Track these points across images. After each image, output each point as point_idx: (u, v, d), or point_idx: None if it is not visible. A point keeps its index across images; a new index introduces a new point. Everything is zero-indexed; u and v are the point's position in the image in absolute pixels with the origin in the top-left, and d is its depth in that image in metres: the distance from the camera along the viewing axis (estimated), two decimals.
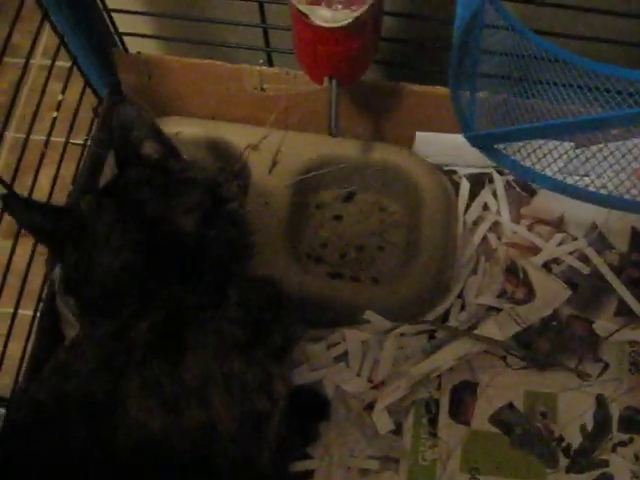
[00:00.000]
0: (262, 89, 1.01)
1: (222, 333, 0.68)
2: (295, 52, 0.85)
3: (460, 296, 0.99)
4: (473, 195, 1.06)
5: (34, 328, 0.91)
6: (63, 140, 0.98)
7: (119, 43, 1.03)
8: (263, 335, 0.72)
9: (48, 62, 0.94)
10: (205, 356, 0.67)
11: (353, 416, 0.92)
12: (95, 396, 0.65)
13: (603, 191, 0.74)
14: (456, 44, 0.57)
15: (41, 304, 0.93)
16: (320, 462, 0.89)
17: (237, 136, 1.04)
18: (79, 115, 1.00)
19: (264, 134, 1.03)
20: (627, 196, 0.73)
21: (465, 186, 1.06)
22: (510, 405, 0.92)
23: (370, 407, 0.92)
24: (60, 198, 0.98)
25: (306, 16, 0.73)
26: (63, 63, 0.99)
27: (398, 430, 0.91)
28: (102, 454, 0.63)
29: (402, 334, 0.95)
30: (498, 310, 0.97)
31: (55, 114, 0.94)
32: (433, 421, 0.92)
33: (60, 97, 0.96)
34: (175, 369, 0.65)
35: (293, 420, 0.89)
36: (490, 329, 0.95)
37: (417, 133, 1.04)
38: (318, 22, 0.73)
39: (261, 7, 0.92)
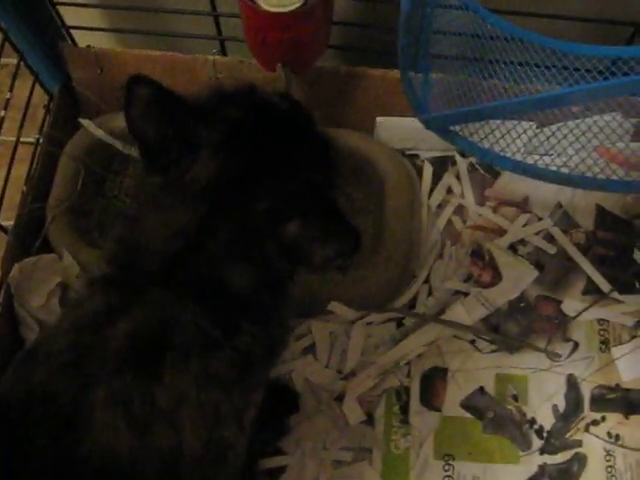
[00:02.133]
0: (217, 78, 0.99)
1: (207, 366, 0.63)
2: (246, 40, 0.83)
3: (427, 281, 0.98)
4: (437, 179, 1.04)
5: None
6: (14, 140, 0.95)
7: (67, 37, 1.00)
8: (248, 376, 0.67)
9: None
10: (183, 380, 0.62)
11: (323, 408, 0.90)
12: (60, 398, 0.61)
13: (564, 170, 0.73)
14: (403, 25, 0.55)
15: None
16: (292, 456, 0.88)
17: None
18: (29, 113, 0.98)
19: None
20: (589, 174, 0.72)
21: (428, 170, 1.05)
22: (481, 389, 0.92)
23: (340, 398, 0.91)
24: (14, 198, 0.96)
25: (253, 2, 0.72)
26: (11, 60, 0.97)
27: (370, 420, 0.90)
28: (61, 470, 0.60)
29: (369, 323, 0.94)
30: (465, 294, 0.96)
31: (3, 112, 0.91)
32: (405, 409, 0.91)
33: (8, 95, 0.93)
34: (149, 386, 0.61)
35: (264, 413, 0.88)
36: (458, 313, 0.95)
37: (377, 118, 1.02)
38: (266, 7, 0.71)
39: None
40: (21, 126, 0.96)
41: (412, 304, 0.97)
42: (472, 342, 0.94)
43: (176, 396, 0.61)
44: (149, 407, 0.60)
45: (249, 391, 0.67)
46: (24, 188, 0.97)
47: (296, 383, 0.92)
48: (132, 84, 0.62)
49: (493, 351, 0.94)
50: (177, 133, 0.62)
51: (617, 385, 0.91)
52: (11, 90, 0.94)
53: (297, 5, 0.70)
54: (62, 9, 0.96)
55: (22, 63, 0.97)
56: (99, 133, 1.01)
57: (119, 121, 1.02)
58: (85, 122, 1.02)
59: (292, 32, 0.74)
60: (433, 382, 0.93)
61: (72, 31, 1.00)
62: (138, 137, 0.64)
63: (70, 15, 0.98)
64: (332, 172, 0.68)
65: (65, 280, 0.94)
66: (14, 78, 0.95)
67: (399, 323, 0.95)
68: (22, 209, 0.96)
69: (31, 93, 0.99)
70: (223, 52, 0.99)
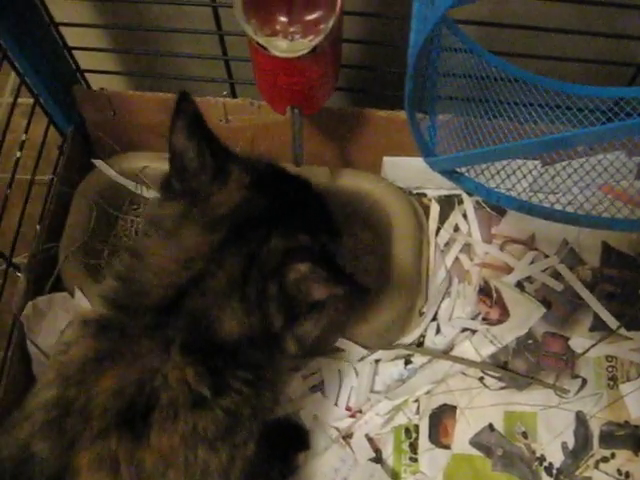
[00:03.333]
0: (227, 120, 1.01)
1: (195, 425, 0.62)
2: (256, 83, 0.84)
3: (435, 319, 0.98)
4: (444, 217, 1.06)
5: (4, 371, 0.90)
6: (29, 178, 0.97)
7: (81, 80, 1.02)
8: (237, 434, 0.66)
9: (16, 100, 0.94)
10: (171, 440, 0.61)
11: (333, 445, 0.91)
12: (44, 459, 0.59)
13: (569, 209, 0.74)
14: (410, 69, 0.57)
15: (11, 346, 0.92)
16: None
17: None
18: (44, 153, 1.00)
19: None
20: (594, 212, 0.73)
21: (435, 209, 1.06)
22: (490, 426, 0.92)
23: (349, 435, 0.92)
24: (28, 237, 0.98)
25: (264, 48, 0.73)
26: (27, 100, 0.99)
27: (379, 458, 0.91)
28: None
29: (377, 360, 0.95)
30: (473, 331, 0.96)
31: (18, 153, 0.93)
32: (414, 447, 0.91)
33: (24, 137, 0.95)
34: (136, 450, 0.59)
35: (273, 452, 0.88)
36: (466, 351, 0.95)
37: (384, 158, 1.04)
38: (276, 53, 0.73)
39: (221, 39, 0.92)
40: (36, 166, 0.98)
41: (420, 342, 0.97)
42: (480, 379, 0.94)
43: (163, 458, 0.60)
44: (136, 471, 0.59)
45: (237, 449, 0.66)
46: (38, 227, 0.98)
47: (305, 420, 0.92)
48: (180, 100, 0.65)
49: (502, 388, 0.94)
50: (214, 158, 0.66)
51: (626, 422, 0.91)
52: (26, 131, 0.96)
53: (306, 50, 0.72)
54: (77, 53, 0.99)
55: (37, 104, 1.00)
56: (111, 174, 1.03)
57: (131, 162, 1.05)
58: (98, 163, 1.04)
59: (301, 76, 0.76)
60: (442, 419, 0.93)
61: (86, 74, 1.02)
62: (177, 151, 0.66)
63: (84, 58, 1.00)
64: (335, 236, 0.72)
65: None
66: (29, 119, 0.97)
67: (407, 361, 0.96)
68: (36, 248, 0.97)
69: (45, 134, 1.01)
70: (233, 94, 1.00)
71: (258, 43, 0.73)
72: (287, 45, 0.73)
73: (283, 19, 0.75)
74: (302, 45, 0.73)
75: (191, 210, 0.65)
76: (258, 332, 0.64)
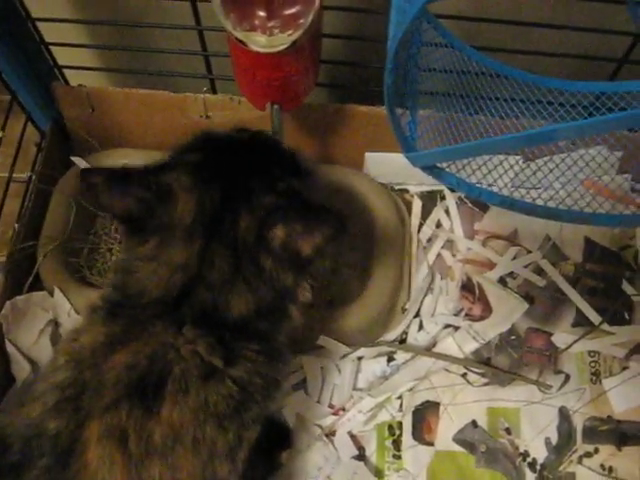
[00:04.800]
0: (207, 116, 1.00)
1: (206, 399, 0.63)
2: (236, 79, 0.84)
3: (417, 315, 0.98)
4: (426, 213, 1.05)
5: None
6: (6, 176, 0.96)
7: (60, 77, 1.01)
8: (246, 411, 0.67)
9: None
10: (182, 414, 0.62)
11: (316, 443, 0.90)
12: (56, 434, 0.60)
13: (551, 204, 0.74)
14: (389, 63, 0.56)
15: None
16: None
17: None
18: (22, 151, 0.99)
19: None
20: (575, 207, 0.73)
21: (417, 204, 1.06)
22: (473, 423, 0.91)
23: (332, 433, 0.91)
24: (6, 235, 0.96)
25: (243, 43, 0.73)
26: (4, 97, 0.97)
27: (362, 455, 0.90)
28: None
29: (360, 357, 0.94)
30: (456, 328, 0.96)
31: None
32: (397, 444, 0.91)
33: (1, 134, 0.94)
34: (146, 422, 0.61)
35: (255, 451, 0.88)
36: (449, 347, 0.95)
37: (366, 154, 1.03)
38: (255, 48, 0.72)
39: (201, 35, 0.91)
40: (13, 163, 0.97)
41: (403, 338, 0.97)
42: (463, 375, 0.94)
43: (173, 432, 0.61)
44: (145, 444, 0.60)
45: (245, 428, 0.67)
46: (16, 226, 0.97)
47: (288, 418, 0.91)
48: (85, 176, 0.65)
49: (484, 384, 0.93)
50: (147, 188, 0.66)
51: (609, 417, 0.91)
52: (3, 128, 0.95)
53: (285, 45, 0.71)
54: (55, 49, 0.97)
55: (14, 101, 0.98)
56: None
57: (111, 159, 1.03)
58: (77, 160, 1.02)
59: (281, 71, 0.75)
60: (425, 416, 0.92)
61: (64, 70, 1.01)
62: (118, 212, 0.67)
63: (62, 54, 0.99)
64: (303, 175, 0.72)
65: (56, 318, 0.94)
66: (7, 116, 0.96)
67: (390, 358, 0.95)
68: (14, 247, 0.96)
69: (23, 131, 1.00)
70: (213, 90, 0.99)
71: (237, 38, 0.72)
72: (266, 40, 0.72)
73: (262, 14, 0.74)
74: (281, 40, 0.72)
75: (163, 238, 0.66)
76: (268, 302, 0.67)
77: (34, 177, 1.01)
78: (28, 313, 0.93)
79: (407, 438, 0.91)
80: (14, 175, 0.97)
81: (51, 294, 0.94)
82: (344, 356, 0.94)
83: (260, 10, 0.74)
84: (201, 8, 0.88)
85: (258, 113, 0.89)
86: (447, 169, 0.67)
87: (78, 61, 1.01)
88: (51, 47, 0.97)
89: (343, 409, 0.92)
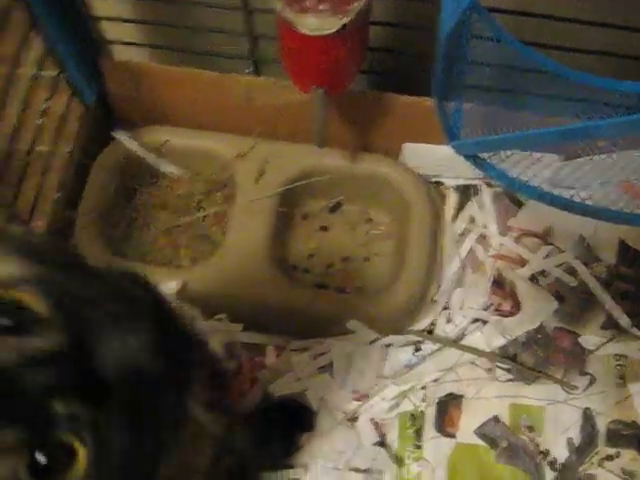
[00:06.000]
0: (249, 99, 1.01)
1: None
2: (282, 61, 0.84)
3: (446, 308, 0.98)
4: (460, 207, 1.05)
5: None
6: (49, 149, 0.97)
7: (107, 51, 1.02)
8: None
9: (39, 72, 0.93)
10: None
11: (337, 427, 0.91)
12: None
13: (589, 202, 0.74)
14: (440, 54, 0.57)
15: None
16: (303, 473, 0.88)
17: (224, 146, 1.04)
18: (65, 125, 1.00)
19: (251, 144, 1.02)
20: (613, 207, 0.73)
21: (452, 198, 1.06)
22: (495, 418, 0.92)
23: (355, 418, 0.92)
24: (46, 207, 0.98)
25: (292, 24, 0.73)
26: (52, 72, 0.99)
27: (383, 442, 0.91)
28: None
29: (387, 345, 0.95)
30: (484, 322, 0.96)
31: (40, 121, 0.93)
32: (419, 433, 0.91)
33: (44, 105, 0.95)
34: None
35: (275, 430, 0.88)
36: (476, 341, 0.95)
37: (404, 144, 1.04)
38: (304, 30, 0.72)
39: (248, 15, 0.92)
40: (56, 137, 0.98)
41: (431, 329, 0.97)
42: (489, 370, 0.94)
43: None
44: None
45: None
46: (56, 196, 0.99)
47: (311, 401, 0.92)
48: None
49: (509, 380, 0.94)
50: None
51: (633, 422, 0.91)
52: (48, 101, 0.96)
53: (335, 29, 0.72)
54: (103, 24, 0.99)
55: (61, 75, 1.00)
56: (132, 146, 1.04)
57: (153, 136, 1.05)
58: (119, 135, 1.04)
59: (329, 55, 0.76)
60: (448, 408, 0.93)
61: (111, 46, 1.02)
62: None
63: (111, 29, 1.00)
64: None
65: None
66: (54, 90, 0.97)
67: (417, 347, 0.96)
68: (53, 218, 0.97)
69: (68, 105, 1.02)
70: (257, 72, 1.00)
71: (287, 19, 0.73)
72: (316, 22, 0.73)
73: None
74: (331, 23, 0.72)
75: None
76: None
77: (75, 150, 1.02)
78: None
79: (429, 429, 0.91)
80: (56, 149, 0.98)
81: None
82: (372, 342, 0.94)
83: None
84: None
85: (300, 97, 0.90)
86: (488, 160, 0.68)
87: (126, 37, 1.02)
88: (101, 22, 0.98)
89: (367, 395, 0.93)
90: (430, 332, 0.97)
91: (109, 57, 1.03)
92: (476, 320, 0.97)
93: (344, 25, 0.72)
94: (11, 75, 0.88)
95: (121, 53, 1.04)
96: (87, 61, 1.01)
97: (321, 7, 0.72)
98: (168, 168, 1.06)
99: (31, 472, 0.40)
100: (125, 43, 1.02)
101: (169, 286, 0.91)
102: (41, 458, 0.40)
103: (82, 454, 0.41)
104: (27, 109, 0.91)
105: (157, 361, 0.44)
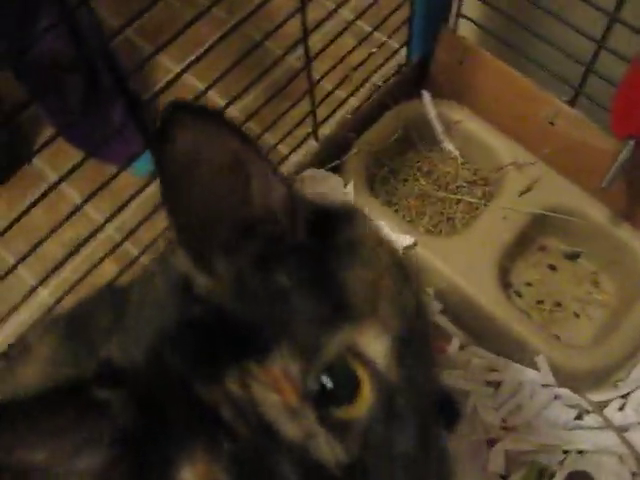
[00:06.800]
0: (551, 123, 1.03)
1: None
2: (615, 98, 0.86)
3: (624, 396, 0.96)
4: None
5: None
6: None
7: (450, 21, 1.09)
8: None
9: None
10: None
11: (472, 443, 0.93)
12: None
13: None
14: None
15: None
16: None
17: (506, 150, 1.08)
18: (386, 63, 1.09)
19: (531, 160, 1.05)
20: None
21: None
22: None
23: (492, 443, 0.93)
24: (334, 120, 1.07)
25: None
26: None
27: (505, 477, 0.92)
28: None
29: (557, 397, 0.96)
30: None
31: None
32: None
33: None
34: None
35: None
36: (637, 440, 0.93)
37: None
38: None
39: (597, 49, 0.93)
40: (374, 70, 1.09)
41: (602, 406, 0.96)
42: (633, 475, 0.92)
43: None
44: None
45: None
46: (347, 116, 1.08)
47: (466, 406, 0.94)
48: None
49: None
50: None
51: None
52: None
53: None
54: None
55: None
56: (430, 110, 1.10)
57: (450, 111, 1.12)
58: (425, 95, 1.11)
59: None
60: None
61: (460, 19, 1.09)
62: None
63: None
64: None
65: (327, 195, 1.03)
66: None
67: (579, 415, 0.95)
68: (335, 133, 1.07)
69: (397, 50, 1.12)
70: (572, 102, 1.02)
71: None
72: None
73: None
74: None
75: None
76: None
77: (383, 87, 1.11)
78: (318, 185, 1.04)
79: None
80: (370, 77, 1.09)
81: (345, 185, 1.04)
82: (545, 386, 0.95)
83: None
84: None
85: (601, 145, 0.92)
86: None
87: (472, 14, 1.08)
88: None
89: (513, 428, 0.94)
90: (606, 407, 0.96)
91: (449, 27, 1.10)
92: None
93: None
94: None
95: (460, 26, 1.10)
96: (432, 21, 1.08)
97: None
98: (448, 145, 1.12)
99: (317, 396, 0.44)
100: (468, 19, 1.07)
101: (405, 238, 0.97)
102: (328, 382, 0.44)
103: (367, 384, 0.45)
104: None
105: None
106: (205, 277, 0.45)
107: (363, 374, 0.45)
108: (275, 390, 0.43)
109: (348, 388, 0.45)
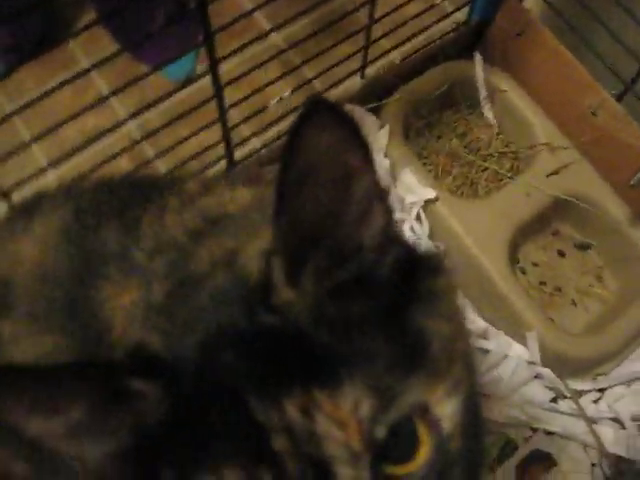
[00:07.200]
0: (593, 113, 1.03)
1: None
2: None
3: (602, 390, 0.98)
4: None
5: None
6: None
7: None
8: None
9: None
10: None
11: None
12: None
13: None
14: None
15: None
16: None
17: (543, 129, 1.09)
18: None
19: (566, 145, 1.07)
20: None
21: None
22: None
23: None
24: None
25: None
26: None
27: None
28: None
29: (538, 375, 0.98)
30: (623, 427, 0.95)
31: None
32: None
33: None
34: None
35: None
36: (605, 436, 0.95)
37: None
38: None
39: None
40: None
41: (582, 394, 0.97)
42: (593, 465, 0.94)
43: None
44: None
45: None
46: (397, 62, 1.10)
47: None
48: None
49: None
50: None
51: None
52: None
53: None
54: None
55: None
56: (478, 73, 1.11)
57: (498, 78, 1.12)
58: (477, 56, 1.11)
59: None
60: (533, 464, 0.95)
61: None
62: None
63: None
64: None
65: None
66: None
67: (555, 398, 0.97)
68: (382, 75, 1.08)
69: (457, 9, 1.11)
70: (620, 98, 1.02)
71: None
72: None
73: None
74: None
75: None
76: None
77: (436, 43, 1.11)
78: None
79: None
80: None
81: (381, 127, 1.05)
82: (530, 363, 0.97)
83: None
84: None
85: (637, 144, 0.92)
86: None
87: None
88: None
89: (489, 397, 0.96)
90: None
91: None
92: (616, 420, 0.97)
93: None
94: None
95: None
96: None
97: None
98: (488, 112, 1.12)
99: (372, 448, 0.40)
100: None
101: (428, 191, 0.99)
102: (384, 435, 0.41)
103: (426, 446, 0.43)
104: None
105: None
106: (289, 290, 0.42)
107: (424, 434, 0.43)
108: (340, 427, 0.40)
109: (408, 447, 0.43)
